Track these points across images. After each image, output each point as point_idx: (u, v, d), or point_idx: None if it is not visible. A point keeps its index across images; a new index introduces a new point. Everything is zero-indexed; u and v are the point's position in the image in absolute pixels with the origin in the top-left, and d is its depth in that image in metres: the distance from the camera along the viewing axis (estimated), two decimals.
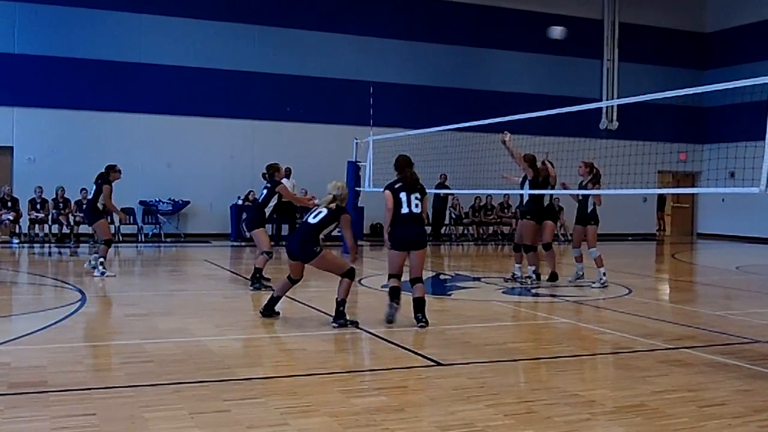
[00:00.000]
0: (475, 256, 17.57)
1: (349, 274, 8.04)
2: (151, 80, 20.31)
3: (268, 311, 8.35)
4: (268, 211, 10.87)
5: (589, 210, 11.55)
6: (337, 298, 7.98)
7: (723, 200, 24.16)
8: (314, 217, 8.04)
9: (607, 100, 24.61)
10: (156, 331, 7.51)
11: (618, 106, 24.31)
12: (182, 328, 7.81)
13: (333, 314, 7.99)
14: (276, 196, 10.85)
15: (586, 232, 11.63)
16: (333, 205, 8.09)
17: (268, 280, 11.01)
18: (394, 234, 8.09)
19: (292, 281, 8.33)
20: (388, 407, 4.99)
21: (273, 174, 11.16)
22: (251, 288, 10.65)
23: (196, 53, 20.78)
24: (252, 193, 20.51)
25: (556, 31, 11.10)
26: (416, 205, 8.07)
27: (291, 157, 20.68)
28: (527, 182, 11.82)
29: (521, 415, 4.92)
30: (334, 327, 7.84)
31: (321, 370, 5.96)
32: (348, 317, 8.00)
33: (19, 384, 5.42)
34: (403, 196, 8.07)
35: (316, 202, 9.08)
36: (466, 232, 22.83)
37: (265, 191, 10.91)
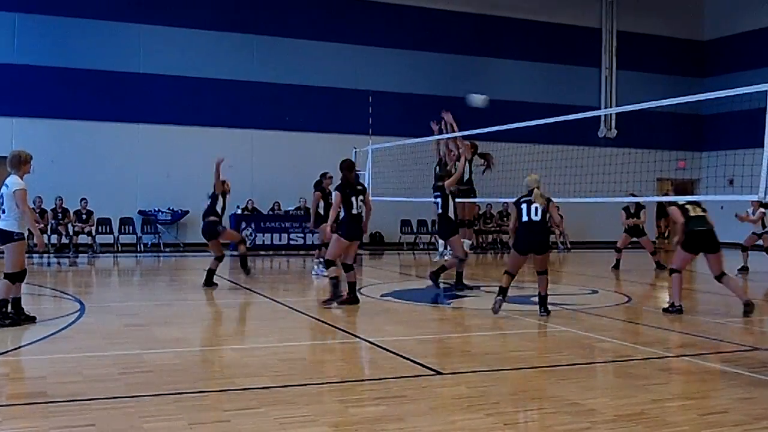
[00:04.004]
0: (475, 265, 17.53)
1: (546, 272, 9.33)
2: (150, 90, 20.35)
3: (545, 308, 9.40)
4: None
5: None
6: (540, 293, 9.32)
7: (722, 207, 24.13)
8: (536, 215, 9.17)
9: (605, 108, 24.68)
10: (155, 341, 7.50)
11: (616, 114, 24.37)
12: (182, 337, 7.79)
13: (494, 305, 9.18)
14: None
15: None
16: (544, 200, 9.18)
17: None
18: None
19: (512, 275, 9.39)
20: (387, 417, 4.97)
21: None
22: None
23: (195, 63, 20.83)
24: (251, 202, 20.53)
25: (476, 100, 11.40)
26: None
27: (290, 167, 20.73)
28: None
29: (521, 424, 4.90)
30: (542, 315, 9.20)
31: (320, 380, 5.94)
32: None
33: (18, 395, 5.40)
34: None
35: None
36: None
37: None
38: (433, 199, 13.35)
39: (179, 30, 20.77)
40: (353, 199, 9.91)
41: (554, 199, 9.57)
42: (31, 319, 8.20)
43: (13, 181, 8.04)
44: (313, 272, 13.64)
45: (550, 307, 9.45)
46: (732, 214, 15.80)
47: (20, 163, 8.16)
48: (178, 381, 5.84)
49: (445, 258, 13.86)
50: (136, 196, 20.14)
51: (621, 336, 8.13)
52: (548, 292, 9.47)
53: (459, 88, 23.44)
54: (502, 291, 9.28)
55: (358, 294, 10.32)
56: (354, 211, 9.90)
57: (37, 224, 9.04)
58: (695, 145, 25.74)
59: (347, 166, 10.04)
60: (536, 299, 11.14)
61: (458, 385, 5.90)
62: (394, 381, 6.00)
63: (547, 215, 9.28)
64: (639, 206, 15.64)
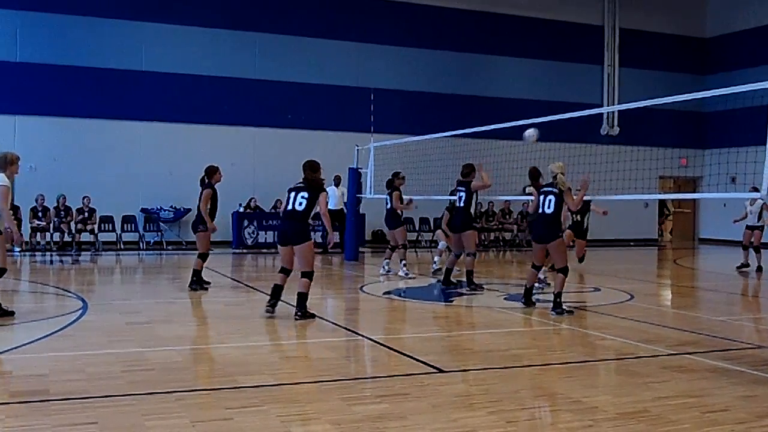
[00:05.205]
0: (477, 263, 17.53)
1: (565, 271, 9.14)
2: (152, 88, 20.35)
3: (529, 300, 9.76)
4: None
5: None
6: (554, 291, 9.17)
7: (724, 205, 24.12)
8: (548, 207, 9.19)
9: (607, 105, 24.64)
10: (157, 339, 7.50)
11: (619, 111, 24.32)
12: (184, 335, 7.80)
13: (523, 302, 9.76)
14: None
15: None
16: (556, 189, 9.16)
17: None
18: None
19: (536, 268, 9.79)
20: (389, 415, 4.97)
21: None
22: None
23: (197, 61, 20.82)
24: (253, 200, 20.54)
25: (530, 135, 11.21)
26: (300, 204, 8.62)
27: (292, 165, 20.53)
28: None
29: (523, 422, 4.90)
30: (552, 315, 9.06)
31: (322, 378, 5.95)
32: (565, 307, 9.16)
33: (20, 392, 5.41)
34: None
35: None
36: None
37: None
38: (434, 195, 13.33)
39: (181, 28, 20.76)
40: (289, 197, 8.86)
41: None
42: (10, 314, 8.45)
43: None
44: (400, 272, 13.53)
45: (546, 306, 9.46)
46: (735, 212, 15.82)
47: (6, 163, 8.54)
48: (180, 379, 5.85)
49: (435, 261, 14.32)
50: (139, 193, 20.14)
51: (623, 334, 8.12)
52: (560, 290, 9.24)
53: (461, 85, 23.51)
54: (526, 289, 9.81)
55: (306, 307, 8.85)
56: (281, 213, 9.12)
57: (15, 221, 9.40)
58: (697, 143, 25.70)
59: (305, 167, 8.99)
60: (538, 297, 11.18)
61: (460, 383, 5.91)
62: (396, 379, 6.01)
63: (564, 205, 9.31)
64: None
